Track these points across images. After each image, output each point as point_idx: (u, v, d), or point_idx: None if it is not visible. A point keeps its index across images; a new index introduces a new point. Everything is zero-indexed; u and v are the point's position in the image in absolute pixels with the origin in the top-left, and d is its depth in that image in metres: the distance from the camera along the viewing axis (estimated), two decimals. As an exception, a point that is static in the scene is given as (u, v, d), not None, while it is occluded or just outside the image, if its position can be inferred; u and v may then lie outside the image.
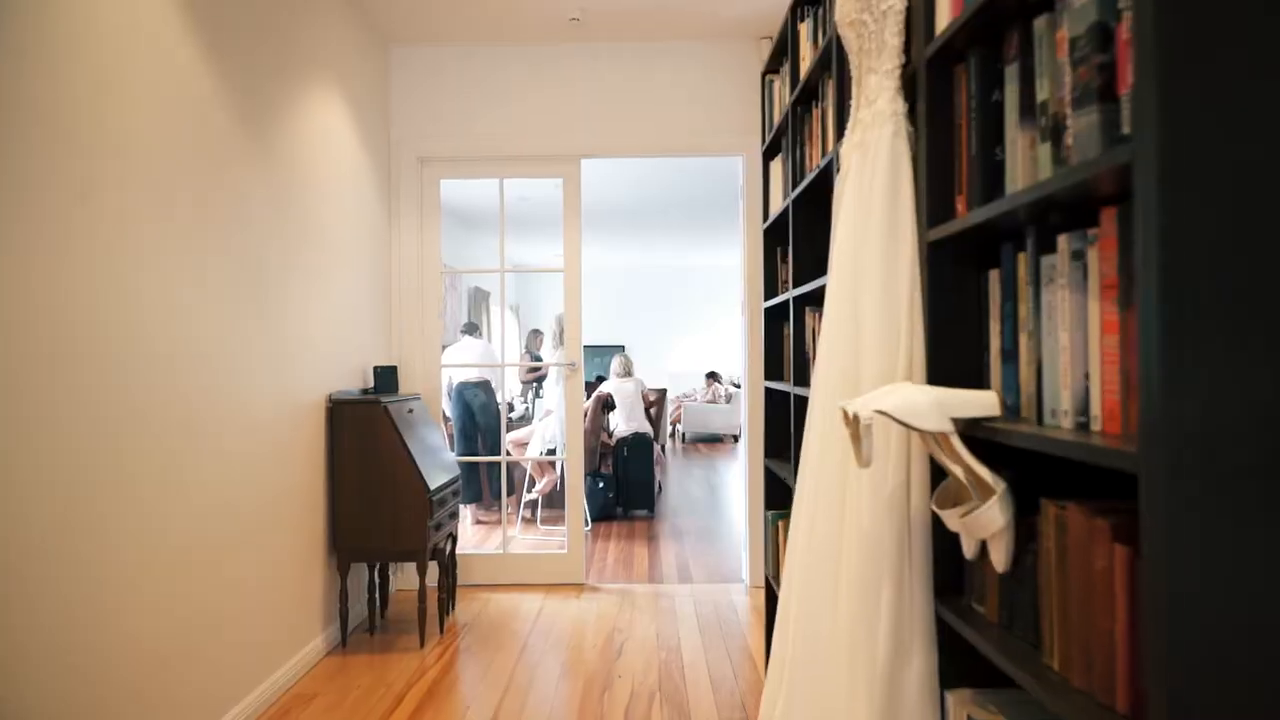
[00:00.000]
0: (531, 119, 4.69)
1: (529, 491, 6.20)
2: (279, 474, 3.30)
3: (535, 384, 9.61)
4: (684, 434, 12.35)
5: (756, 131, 4.61)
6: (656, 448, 7.73)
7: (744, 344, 4.82)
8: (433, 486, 3.77)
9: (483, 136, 4.68)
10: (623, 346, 14.83)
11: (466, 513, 6.54)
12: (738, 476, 9.20)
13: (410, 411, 4.07)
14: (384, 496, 3.73)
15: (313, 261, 3.66)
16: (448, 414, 6.57)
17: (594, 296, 15.13)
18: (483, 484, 6.54)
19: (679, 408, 12.69)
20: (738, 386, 12.87)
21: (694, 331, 14.85)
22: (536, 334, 9.88)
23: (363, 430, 3.76)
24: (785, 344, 3.23)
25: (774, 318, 3.39)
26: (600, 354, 14.59)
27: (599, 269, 14.48)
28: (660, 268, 14.96)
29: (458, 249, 9.82)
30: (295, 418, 3.46)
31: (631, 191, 8.48)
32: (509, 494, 6.55)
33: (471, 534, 6.06)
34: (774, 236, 3.37)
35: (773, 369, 3.40)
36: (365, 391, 4.17)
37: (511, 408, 8.19)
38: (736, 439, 12.33)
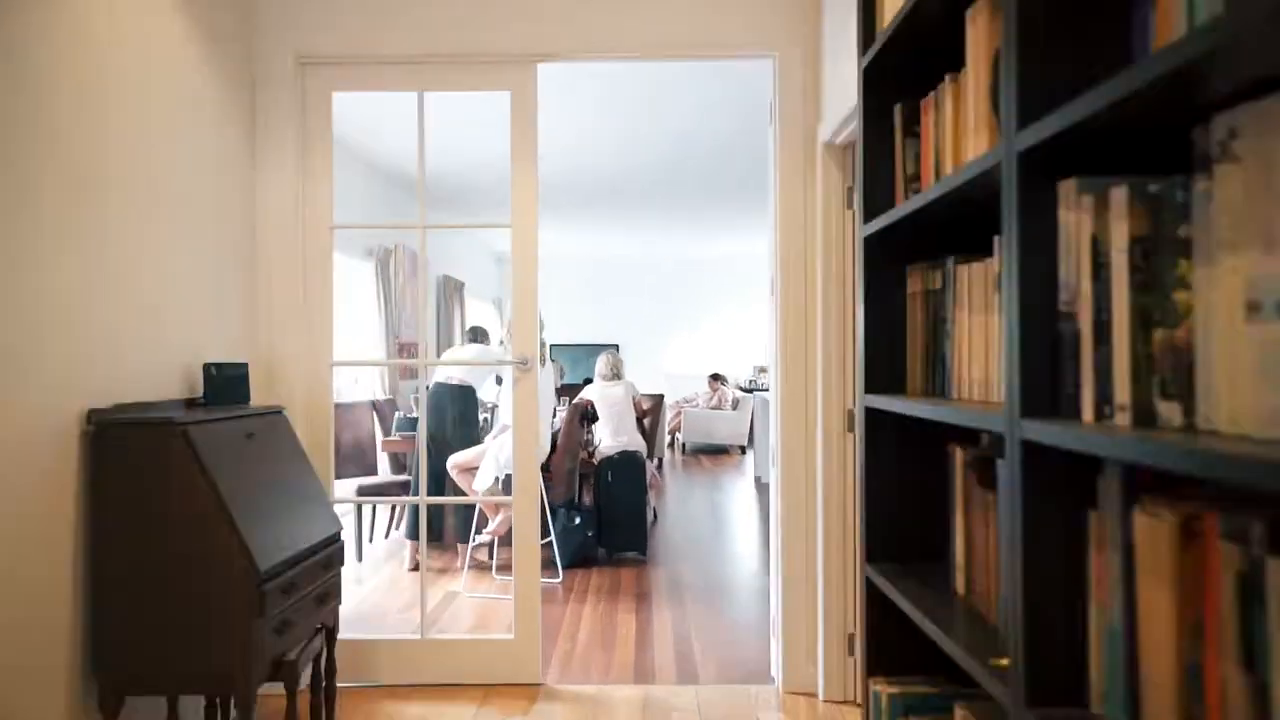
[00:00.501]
0: (466, 5, 3.13)
1: (479, 533, 4.62)
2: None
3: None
4: (684, 444, 10.79)
5: (796, 16, 3.08)
6: (650, 466, 6.17)
7: (774, 338, 3.25)
8: (267, 564, 2.21)
9: (395, 29, 3.13)
10: (616, 346, 13.30)
11: (405, 552, 4.99)
12: (746, 495, 7.67)
13: (250, 436, 2.50)
14: (175, 583, 2.17)
15: (85, 209, 2.10)
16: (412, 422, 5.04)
17: (583, 289, 13.60)
18: (445, 519, 5.01)
19: (679, 414, 11.14)
20: (747, 390, 11.30)
21: (696, 328, 13.30)
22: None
23: (146, 470, 2.19)
24: (913, 317, 1.67)
25: (884, 264, 1.77)
26: (592, 353, 13.02)
27: (586, 258, 12.88)
28: (658, 257, 13.42)
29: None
30: (17, 449, 1.91)
31: (618, 160, 6.92)
32: (438, 539, 5.01)
33: (405, 587, 4.49)
34: (896, 73, 1.76)
35: (881, 373, 1.79)
36: (191, 402, 2.62)
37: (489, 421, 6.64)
38: (744, 449, 10.78)
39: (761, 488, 8.10)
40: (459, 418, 4.86)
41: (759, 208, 9.67)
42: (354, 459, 5.54)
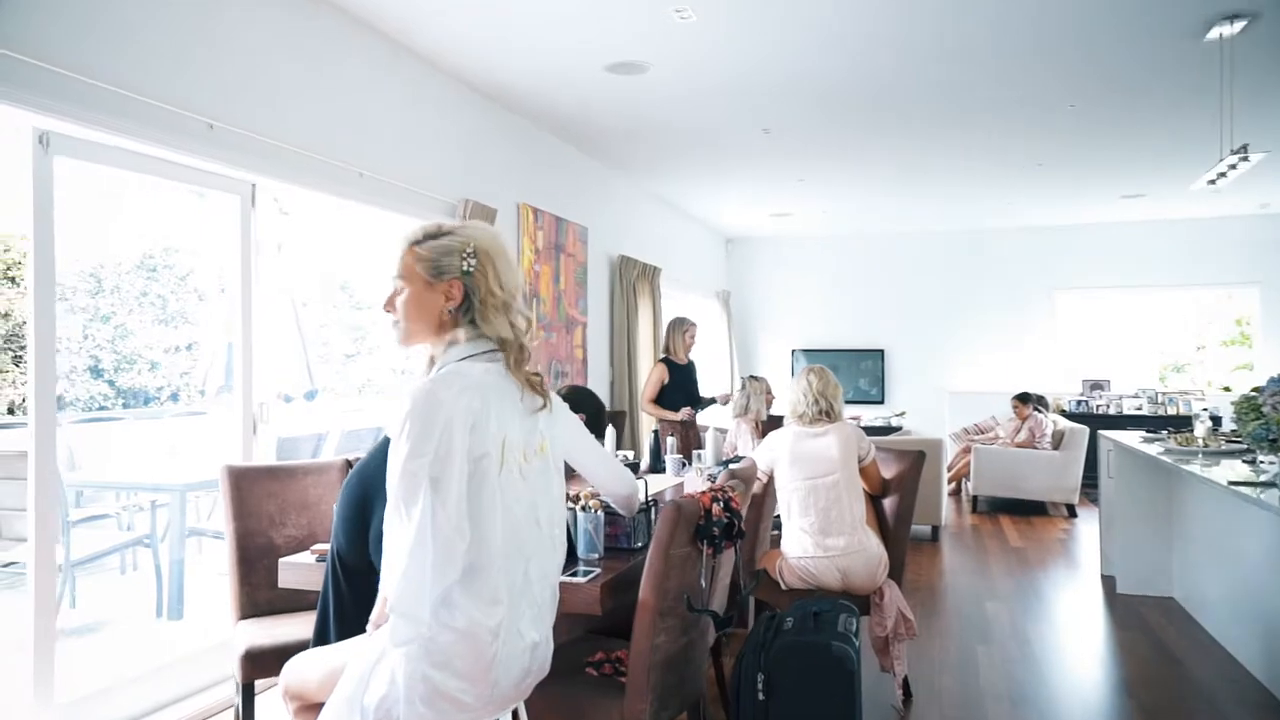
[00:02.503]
0: None
1: None
2: None
3: (683, 433, 5.05)
4: (974, 497, 7.10)
5: None
6: (894, 596, 2.91)
7: None
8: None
9: None
10: (880, 353, 9.85)
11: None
12: (1092, 620, 3.22)
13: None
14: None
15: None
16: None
17: (833, 272, 10.09)
18: None
19: (966, 451, 7.48)
20: (1074, 418, 7.31)
21: (997, 329, 9.41)
22: (682, 325, 5.36)
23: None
24: None
25: None
26: (845, 364, 9.68)
27: (835, 233, 9.35)
28: (943, 227, 9.78)
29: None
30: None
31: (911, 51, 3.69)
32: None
33: None
34: None
35: None
36: None
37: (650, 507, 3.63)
38: (1072, 511, 6.87)
39: (1121, 605, 4.38)
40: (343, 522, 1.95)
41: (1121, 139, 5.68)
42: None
